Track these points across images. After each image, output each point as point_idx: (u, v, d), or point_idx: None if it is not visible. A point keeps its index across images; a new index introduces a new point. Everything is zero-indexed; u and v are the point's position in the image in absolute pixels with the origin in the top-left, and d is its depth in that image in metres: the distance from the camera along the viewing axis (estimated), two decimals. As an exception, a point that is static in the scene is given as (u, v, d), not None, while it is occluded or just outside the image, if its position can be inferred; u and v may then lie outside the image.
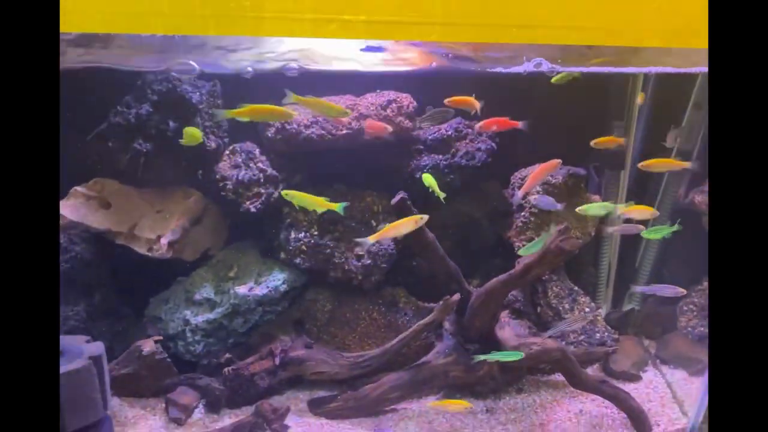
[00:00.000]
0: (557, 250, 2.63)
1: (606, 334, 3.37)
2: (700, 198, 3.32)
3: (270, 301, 3.10)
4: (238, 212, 3.16)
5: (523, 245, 3.25)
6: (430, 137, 3.30)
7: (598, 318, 3.41)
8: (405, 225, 2.59)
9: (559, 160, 3.00)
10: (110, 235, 3.04)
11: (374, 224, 3.23)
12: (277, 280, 3.13)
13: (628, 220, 3.02)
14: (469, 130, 3.31)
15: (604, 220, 3.53)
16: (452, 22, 1.95)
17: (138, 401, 2.94)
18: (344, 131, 3.04)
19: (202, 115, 3.00)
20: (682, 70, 2.99)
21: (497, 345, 2.94)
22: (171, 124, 2.89)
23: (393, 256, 3.22)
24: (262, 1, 1.76)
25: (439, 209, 2.98)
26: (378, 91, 3.22)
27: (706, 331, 3.34)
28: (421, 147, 3.31)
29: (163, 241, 3.01)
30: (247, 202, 3.13)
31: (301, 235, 3.14)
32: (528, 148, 3.33)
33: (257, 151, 3.20)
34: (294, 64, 2.53)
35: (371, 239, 2.64)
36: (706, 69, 1.59)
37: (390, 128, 2.99)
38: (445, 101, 2.86)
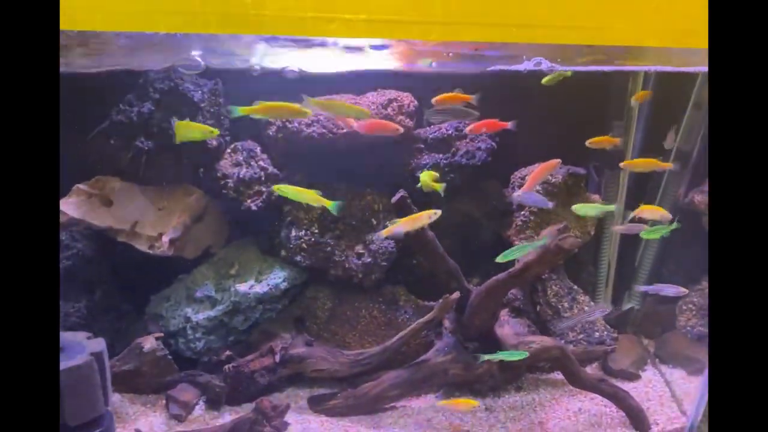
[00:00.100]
0: (556, 249, 2.64)
1: (605, 332, 3.38)
2: (700, 198, 3.33)
3: (270, 299, 3.11)
4: (239, 210, 3.18)
5: (523, 244, 3.26)
6: (430, 136, 3.31)
7: (598, 317, 3.42)
8: (419, 219, 2.60)
9: (559, 160, 3.00)
10: (112, 232, 3.05)
11: (374, 222, 3.24)
12: (277, 277, 3.14)
13: (632, 220, 3.03)
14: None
15: (607, 219, 3.54)
16: (452, 22, 1.96)
17: (139, 398, 2.95)
18: (345, 130, 3.05)
19: (203, 113, 3.02)
20: (682, 69, 3.00)
21: (496, 343, 2.95)
22: (173, 122, 2.90)
23: (393, 255, 3.23)
24: (264, -1, 1.77)
25: (439, 208, 2.98)
26: (378, 90, 3.23)
27: (705, 330, 3.35)
28: (422, 146, 3.32)
29: (165, 238, 3.02)
30: (248, 200, 3.15)
31: (302, 233, 3.15)
32: (528, 148, 3.34)
33: (258, 150, 3.21)
34: (294, 67, 2.55)
35: (384, 233, 2.64)
36: (705, 69, 1.59)
37: (401, 129, 2.98)
38: (433, 101, 2.87)
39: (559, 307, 3.36)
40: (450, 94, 2.83)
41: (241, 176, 3.12)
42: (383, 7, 1.81)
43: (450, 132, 3.29)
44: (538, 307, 3.40)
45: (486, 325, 2.94)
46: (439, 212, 2.61)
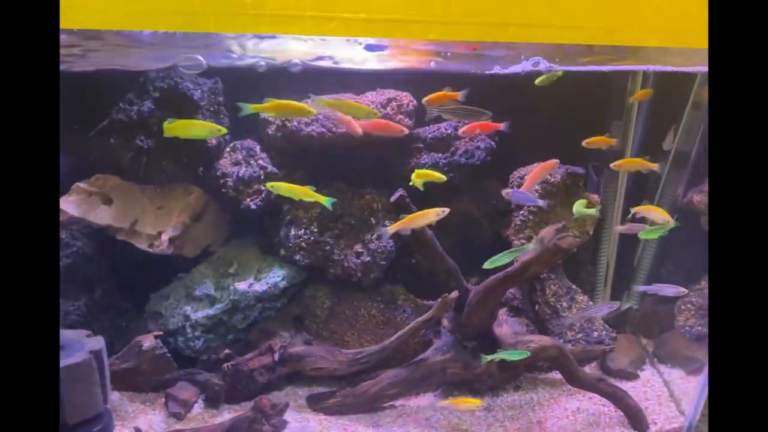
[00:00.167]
0: (555, 248, 2.64)
1: (604, 332, 3.38)
2: (699, 198, 3.33)
3: (269, 298, 3.12)
4: (238, 209, 3.19)
5: (521, 243, 3.27)
6: (429, 135, 3.31)
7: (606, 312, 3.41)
8: (427, 216, 2.61)
9: (557, 160, 3.02)
10: (111, 230, 3.06)
11: (373, 222, 3.24)
12: (276, 276, 3.14)
13: (633, 217, 3.04)
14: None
15: (606, 219, 3.54)
16: (451, 21, 1.97)
17: (138, 396, 2.96)
18: (344, 129, 3.05)
19: (203, 112, 3.02)
20: (681, 69, 3.00)
21: (495, 342, 2.95)
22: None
23: (392, 254, 3.24)
24: (263, -2, 1.77)
25: (437, 207, 2.99)
26: (378, 89, 3.23)
27: (704, 330, 3.35)
28: (421, 145, 3.32)
29: (164, 237, 3.03)
30: (248, 199, 3.15)
31: (301, 232, 3.16)
32: (527, 147, 3.34)
33: (258, 149, 3.22)
34: (297, 61, 2.56)
35: (392, 229, 2.65)
36: (704, 69, 1.60)
37: (406, 130, 2.98)
38: (424, 101, 2.88)
39: (558, 306, 3.36)
40: (439, 94, 2.84)
41: (240, 175, 3.12)
42: (382, 6, 1.82)
43: (449, 131, 3.30)
44: (536, 307, 3.40)
45: (484, 324, 2.95)
46: (447, 210, 2.61)
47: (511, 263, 2.74)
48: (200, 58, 2.43)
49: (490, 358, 2.82)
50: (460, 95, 2.78)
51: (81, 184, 3.05)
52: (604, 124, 3.46)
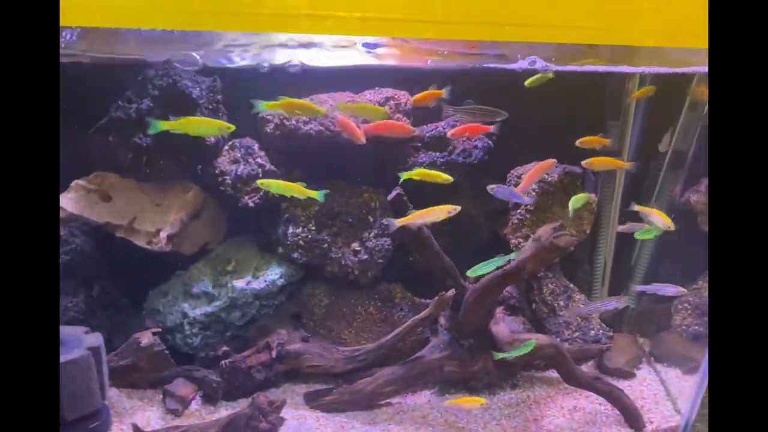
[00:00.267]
0: (551, 246, 2.65)
1: (601, 331, 3.39)
2: (696, 197, 3.33)
3: (267, 295, 3.13)
4: (236, 207, 3.20)
5: (519, 242, 3.28)
6: (427, 134, 3.32)
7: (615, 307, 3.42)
8: (436, 212, 2.63)
9: (554, 160, 3.02)
10: (110, 228, 3.07)
11: (371, 220, 3.26)
12: (274, 274, 3.16)
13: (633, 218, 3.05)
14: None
15: (603, 218, 3.55)
16: (448, 20, 1.97)
17: (136, 392, 2.97)
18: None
19: (201, 110, 3.03)
20: (680, 70, 3.01)
21: (492, 341, 2.96)
22: (171, 118, 2.91)
23: (389, 252, 3.25)
24: (260, -3, 1.78)
25: (436, 206, 2.99)
26: (376, 88, 3.24)
27: (700, 329, 3.36)
28: (419, 144, 3.33)
29: (163, 234, 3.04)
30: (246, 197, 3.16)
31: (299, 230, 3.17)
32: (525, 146, 3.35)
33: (256, 147, 3.22)
34: (296, 61, 2.57)
35: (399, 222, 2.67)
36: (701, 69, 1.60)
37: (415, 131, 2.99)
38: (412, 100, 2.89)
39: (555, 305, 3.37)
40: (424, 93, 2.86)
41: (238, 173, 3.13)
42: (377, 4, 1.83)
43: (447, 130, 3.30)
44: (533, 305, 3.41)
45: (481, 322, 2.96)
46: (458, 208, 2.64)
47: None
48: (195, 55, 2.44)
49: (502, 356, 2.83)
50: (444, 92, 2.80)
51: (80, 182, 3.06)
52: (602, 124, 3.47)
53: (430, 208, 2.65)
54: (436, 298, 2.93)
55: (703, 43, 1.59)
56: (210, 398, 2.93)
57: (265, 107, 2.61)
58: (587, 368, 3.29)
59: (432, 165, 3.25)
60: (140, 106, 2.90)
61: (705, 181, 3.34)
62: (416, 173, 2.83)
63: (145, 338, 2.91)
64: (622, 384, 3.10)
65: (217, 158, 3.19)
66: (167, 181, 3.19)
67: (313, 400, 2.95)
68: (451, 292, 2.91)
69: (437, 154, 3.30)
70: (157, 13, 1.78)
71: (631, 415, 2.86)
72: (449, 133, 3.03)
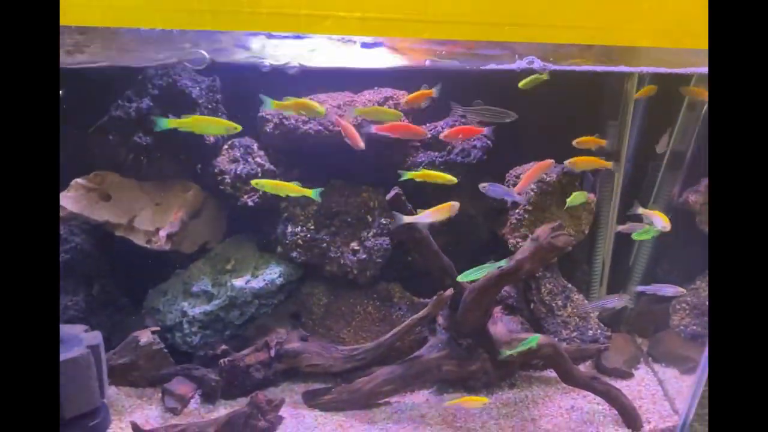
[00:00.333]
0: (549, 246, 2.66)
1: (599, 331, 3.40)
2: (694, 198, 3.34)
3: (266, 294, 3.14)
4: (235, 206, 3.21)
5: (518, 242, 3.28)
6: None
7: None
8: (441, 211, 2.69)
9: (552, 160, 3.03)
10: (110, 226, 3.08)
11: (370, 219, 3.26)
12: (273, 273, 3.16)
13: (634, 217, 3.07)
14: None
15: (602, 218, 3.56)
16: (446, 20, 1.98)
17: (135, 391, 2.98)
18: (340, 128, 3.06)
19: (201, 109, 3.04)
20: (678, 70, 3.01)
21: (490, 340, 2.97)
22: (170, 117, 2.92)
23: (388, 252, 3.25)
24: (259, -4, 1.79)
25: (435, 205, 3.00)
26: (375, 87, 3.25)
27: (698, 329, 3.36)
28: (418, 143, 3.34)
29: (162, 233, 3.05)
30: (245, 196, 3.17)
31: (298, 229, 3.17)
32: (524, 146, 3.36)
33: (255, 146, 3.23)
34: (294, 62, 2.57)
35: (406, 219, 2.72)
36: (699, 69, 1.61)
37: (428, 133, 3.01)
38: (403, 102, 2.89)
39: (553, 305, 3.38)
40: (416, 93, 2.87)
41: (238, 172, 3.14)
42: (377, 4, 1.84)
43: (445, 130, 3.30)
44: (531, 305, 3.42)
45: (479, 322, 2.96)
46: (458, 204, 2.70)
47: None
48: (204, 53, 2.45)
49: (509, 353, 2.85)
50: (434, 91, 2.81)
51: (80, 181, 3.07)
52: (601, 124, 3.47)
53: (436, 207, 2.69)
54: (435, 297, 2.94)
55: (703, 43, 1.59)
56: (209, 397, 2.94)
57: (273, 106, 2.65)
58: (585, 368, 3.29)
59: (431, 165, 3.26)
60: (140, 105, 2.91)
61: (704, 182, 3.35)
62: (420, 174, 2.84)
63: (144, 337, 2.92)
64: (619, 384, 3.11)
65: (217, 157, 3.20)
66: (167, 180, 3.20)
67: (311, 399, 2.96)
68: (450, 291, 2.92)
69: (436, 153, 3.31)
70: (156, 12, 1.79)
71: (628, 414, 2.87)
72: (442, 135, 3.04)
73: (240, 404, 2.87)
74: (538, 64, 2.32)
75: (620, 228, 3.21)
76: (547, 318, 3.37)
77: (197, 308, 3.08)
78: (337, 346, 3.10)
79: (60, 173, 1.54)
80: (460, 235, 3.43)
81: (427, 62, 2.37)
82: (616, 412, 2.91)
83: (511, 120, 2.88)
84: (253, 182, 2.78)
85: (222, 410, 2.87)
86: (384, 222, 3.20)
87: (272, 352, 2.99)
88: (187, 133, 2.60)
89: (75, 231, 3.06)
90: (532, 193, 3.28)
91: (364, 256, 3.20)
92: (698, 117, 3.30)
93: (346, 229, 3.26)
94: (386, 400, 2.99)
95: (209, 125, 2.74)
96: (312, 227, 3.19)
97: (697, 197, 3.34)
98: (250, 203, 3.16)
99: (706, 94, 3.02)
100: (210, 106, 3.08)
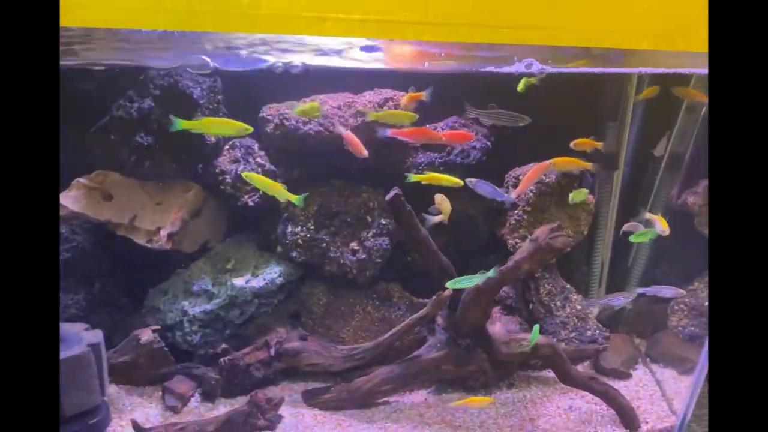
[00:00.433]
0: (548, 247, 2.67)
1: (597, 331, 3.40)
2: (693, 199, 3.35)
3: (266, 294, 3.15)
4: (236, 206, 3.22)
5: (517, 243, 3.29)
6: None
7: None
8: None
9: (552, 162, 3.04)
10: (111, 226, 3.09)
11: (369, 219, 3.27)
12: (273, 273, 3.18)
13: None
14: (464, 129, 3.33)
15: (600, 219, 3.57)
16: (446, 22, 1.99)
17: (135, 389, 2.99)
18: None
19: (202, 110, 3.05)
20: (677, 70, 3.02)
21: (488, 340, 2.98)
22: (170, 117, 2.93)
23: (387, 252, 3.27)
24: (259, -2, 1.80)
25: (433, 206, 3.02)
26: (375, 89, 3.26)
27: (696, 330, 3.37)
28: (417, 144, 3.35)
29: (163, 232, 3.06)
30: (245, 196, 3.18)
31: (298, 229, 3.19)
32: (524, 148, 3.37)
33: (256, 147, 3.25)
34: (297, 62, 2.57)
35: (435, 219, 2.89)
36: (699, 70, 1.61)
37: (443, 137, 3.03)
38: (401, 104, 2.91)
39: (552, 305, 3.39)
40: (408, 95, 2.88)
41: (238, 172, 3.15)
42: (377, 7, 1.85)
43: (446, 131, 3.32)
44: (530, 306, 3.42)
45: (478, 322, 2.97)
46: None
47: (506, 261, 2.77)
48: (207, 59, 2.45)
49: (519, 350, 2.87)
50: (425, 95, 2.83)
51: (81, 180, 3.08)
52: (600, 125, 3.48)
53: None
54: (434, 297, 2.95)
55: (702, 46, 1.60)
56: (209, 395, 2.95)
57: (297, 113, 2.76)
58: (583, 368, 3.30)
59: (430, 166, 3.27)
60: (141, 105, 2.92)
61: (702, 183, 3.36)
62: (427, 177, 2.86)
63: (145, 335, 2.93)
64: (618, 384, 3.12)
65: (218, 158, 3.21)
66: (168, 180, 3.22)
67: (311, 398, 2.97)
68: (449, 291, 2.92)
69: (435, 154, 3.32)
70: (155, 13, 1.80)
71: (626, 415, 2.87)
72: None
73: (240, 403, 2.87)
74: (536, 66, 2.33)
75: (626, 226, 3.22)
76: (546, 318, 3.38)
77: (197, 307, 3.10)
78: (336, 345, 3.11)
79: (61, 172, 1.55)
80: (460, 236, 3.44)
81: (426, 65, 2.38)
82: (614, 413, 2.92)
83: (524, 124, 2.88)
84: (244, 174, 2.80)
85: (222, 409, 2.88)
86: (383, 222, 3.21)
87: (272, 351, 3.01)
88: (188, 134, 2.62)
89: (76, 230, 3.08)
90: (531, 194, 3.28)
91: (364, 256, 3.22)
92: (697, 119, 3.31)
93: (346, 229, 3.27)
94: (385, 399, 3.01)
95: (222, 126, 2.75)
96: (312, 227, 3.20)
97: (696, 199, 3.35)
98: (251, 203, 3.17)
99: (700, 95, 3.06)
100: (211, 107, 3.09)
